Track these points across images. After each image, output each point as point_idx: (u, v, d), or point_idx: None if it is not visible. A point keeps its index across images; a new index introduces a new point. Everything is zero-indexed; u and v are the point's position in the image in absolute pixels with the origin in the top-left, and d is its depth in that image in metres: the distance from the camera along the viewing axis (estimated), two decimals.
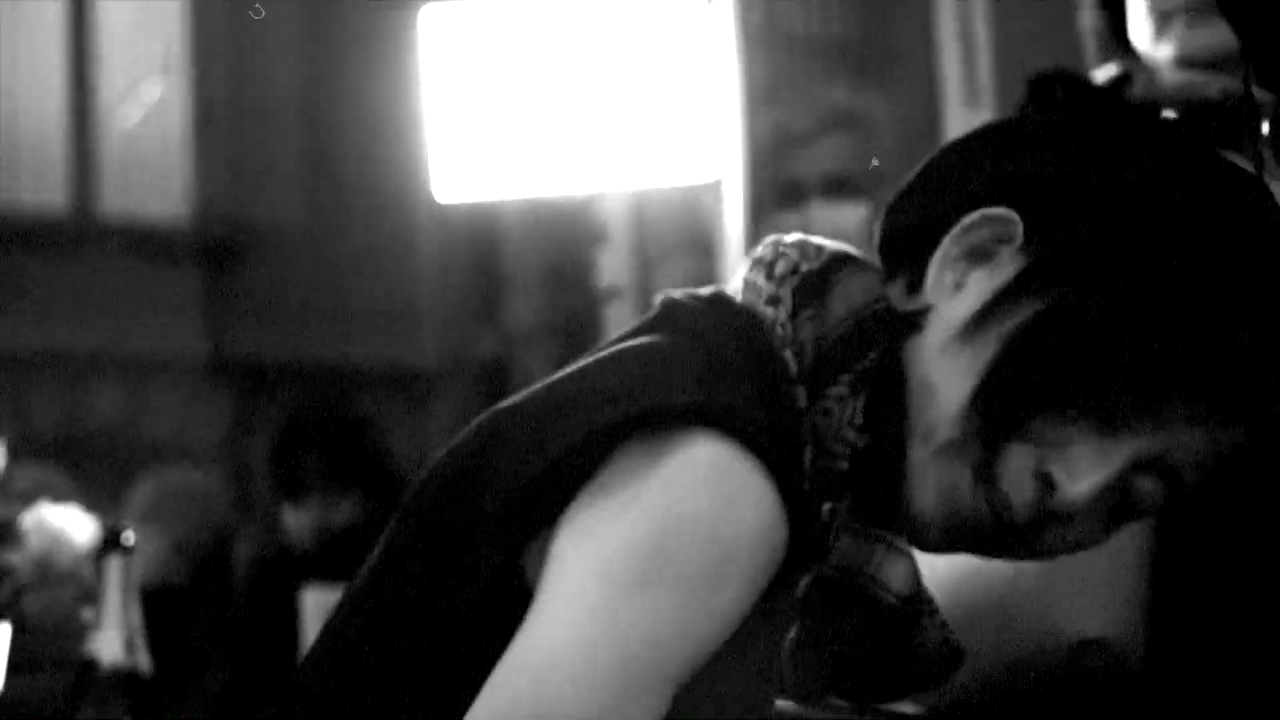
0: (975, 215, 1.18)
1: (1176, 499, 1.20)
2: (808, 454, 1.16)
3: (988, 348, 1.17)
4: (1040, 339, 1.16)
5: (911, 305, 1.20)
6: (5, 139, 8.25)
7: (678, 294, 1.23)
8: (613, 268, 3.38)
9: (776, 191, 3.29)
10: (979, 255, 1.19)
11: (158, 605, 2.25)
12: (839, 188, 3.25)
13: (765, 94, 3.61)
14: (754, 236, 3.39)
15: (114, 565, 2.03)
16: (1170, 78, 2.19)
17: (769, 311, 1.20)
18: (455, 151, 3.35)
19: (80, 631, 2.10)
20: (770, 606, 1.14)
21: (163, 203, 8.46)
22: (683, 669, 1.10)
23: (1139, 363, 1.16)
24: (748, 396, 1.14)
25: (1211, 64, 2.15)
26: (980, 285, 1.19)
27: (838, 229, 3.21)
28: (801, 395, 1.17)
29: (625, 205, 3.53)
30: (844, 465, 1.17)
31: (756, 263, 1.23)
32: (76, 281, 8.18)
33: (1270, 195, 1.23)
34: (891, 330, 1.20)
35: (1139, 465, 1.17)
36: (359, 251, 8.49)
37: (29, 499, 2.32)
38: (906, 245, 1.23)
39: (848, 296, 1.21)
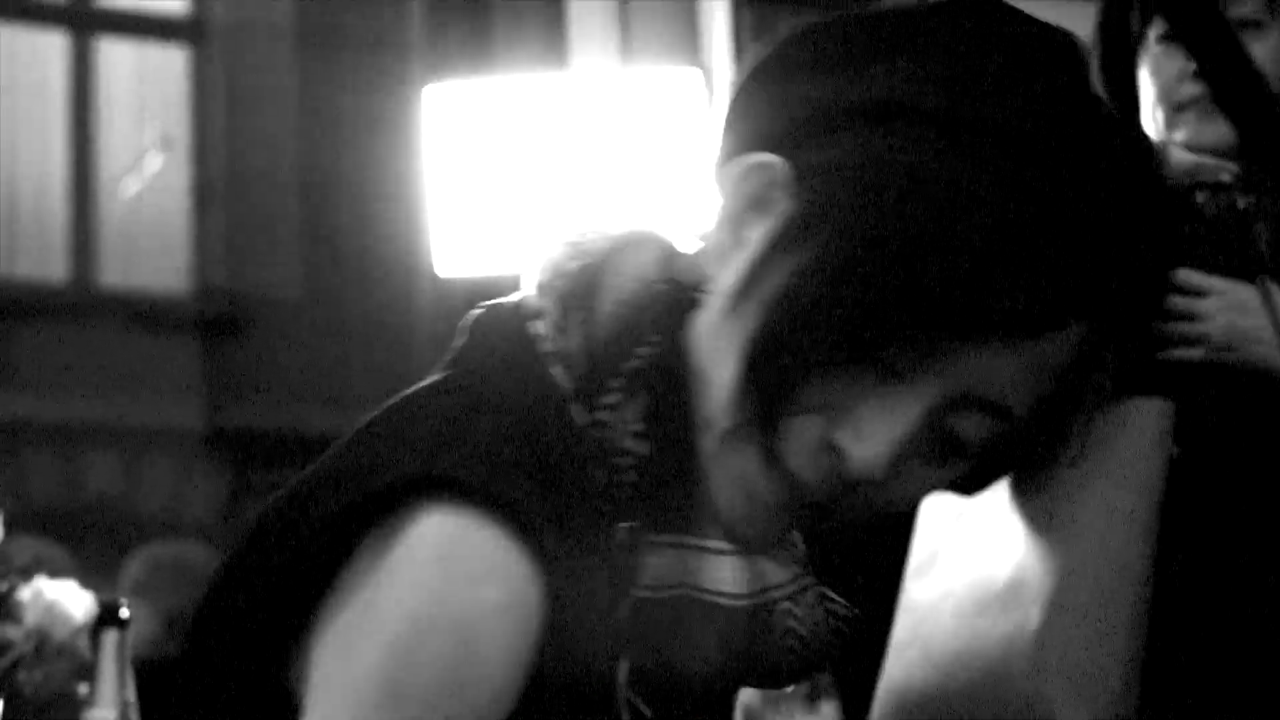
0: (737, 166, 1.05)
1: (1017, 431, 1.06)
2: (599, 475, 1.05)
3: (751, 317, 1.03)
4: (796, 299, 1.02)
5: (690, 278, 1.08)
6: (7, 211, 8.29)
7: (483, 315, 1.12)
8: None
9: None
10: (751, 211, 1.06)
11: (151, 678, 2.25)
12: None
13: None
14: None
15: (109, 640, 2.03)
16: (1182, 158, 2.22)
17: (530, 328, 1.08)
18: (455, 226, 3.37)
19: (75, 706, 2.10)
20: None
21: (162, 275, 8.50)
22: None
23: (902, 306, 1.00)
24: (492, 442, 1.03)
25: (1220, 151, 2.19)
26: (748, 248, 1.04)
27: None
28: (580, 412, 1.06)
29: None
30: (633, 477, 1.06)
31: (539, 268, 1.12)
32: (76, 353, 8.20)
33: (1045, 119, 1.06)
34: (671, 314, 1.08)
35: (947, 407, 1.04)
36: (358, 324, 8.52)
37: (27, 573, 2.32)
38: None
39: (617, 288, 1.09)
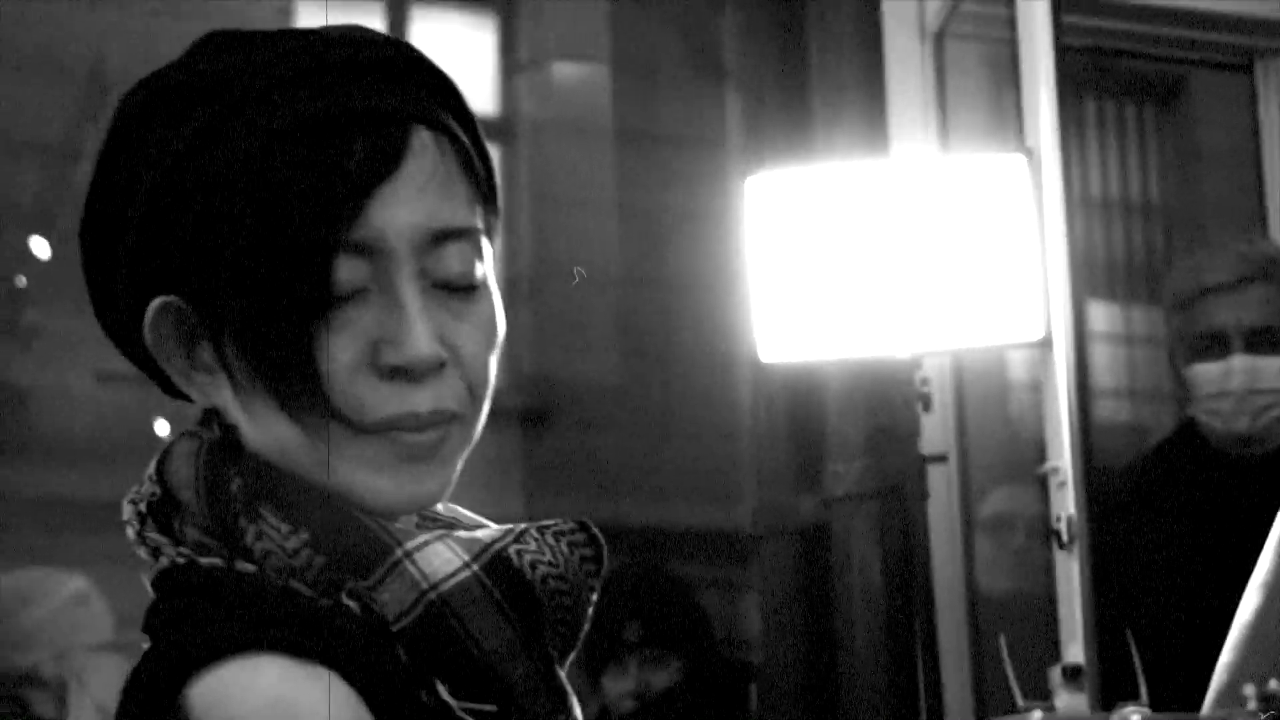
0: (146, 325, 1.21)
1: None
2: (302, 588, 1.14)
3: (257, 387, 1.16)
4: (244, 340, 1.16)
5: (209, 422, 1.23)
6: None
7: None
8: (937, 430, 3.35)
9: (1196, 342, 3.26)
10: (186, 342, 1.21)
11: None
12: (1262, 339, 3.22)
13: (1089, 251, 3.58)
14: (1081, 394, 3.34)
15: None
16: None
17: (164, 562, 1.18)
18: (778, 313, 3.38)
19: None
20: None
21: None
22: None
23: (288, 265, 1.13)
24: (230, 622, 1.12)
25: None
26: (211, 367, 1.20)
27: (1259, 384, 3.17)
28: (245, 566, 1.16)
29: (950, 366, 3.52)
30: (320, 560, 1.15)
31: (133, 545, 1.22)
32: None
33: None
34: (225, 450, 1.19)
35: (425, 280, 1.17)
36: (677, 413, 8.56)
37: None
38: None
39: (183, 481, 1.20)
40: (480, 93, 9.02)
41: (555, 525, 1.22)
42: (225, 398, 1.20)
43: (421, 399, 1.17)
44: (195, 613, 1.15)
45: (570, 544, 1.21)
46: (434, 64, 1.25)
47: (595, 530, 1.23)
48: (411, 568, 1.15)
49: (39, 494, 7.15)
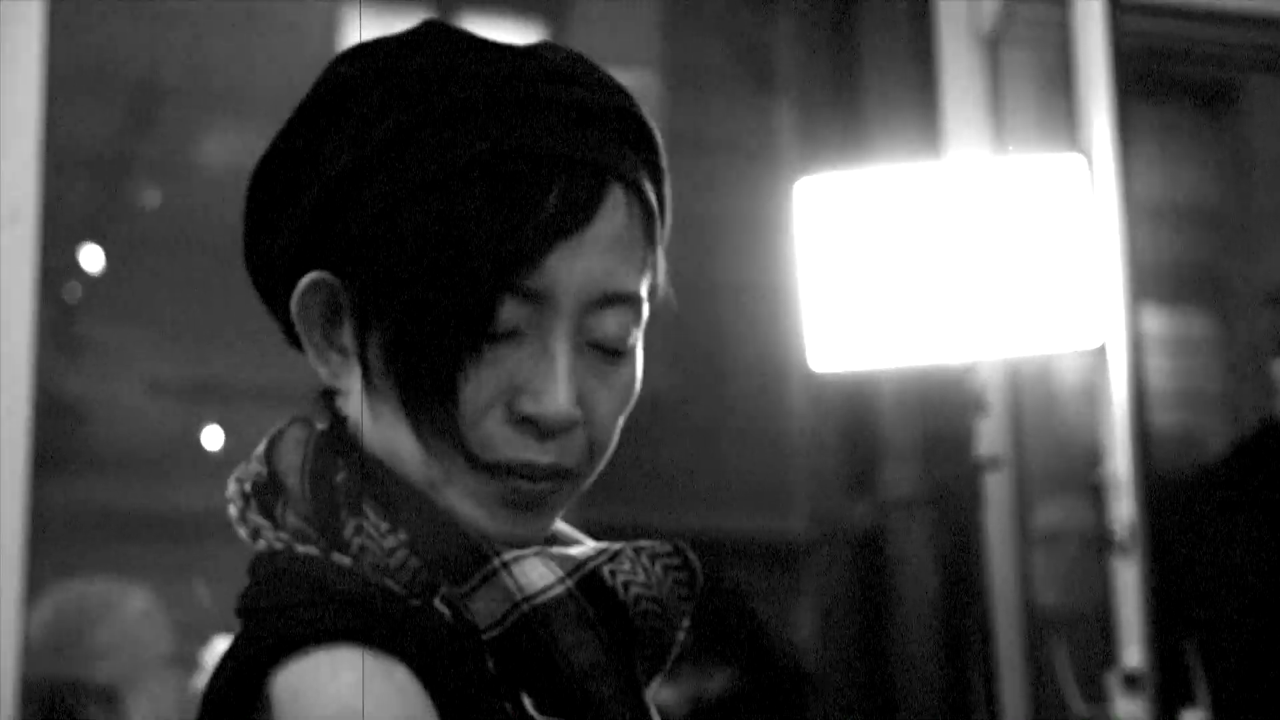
0: (296, 293, 1.21)
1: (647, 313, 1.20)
2: (392, 586, 1.14)
3: (390, 395, 1.17)
4: (393, 351, 1.17)
5: (326, 413, 1.24)
6: None
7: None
8: (991, 436, 3.33)
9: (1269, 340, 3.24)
10: (330, 324, 1.22)
11: None
12: None
13: (1148, 257, 3.56)
14: (1138, 399, 3.31)
15: None
16: None
17: (262, 545, 1.20)
18: (830, 319, 3.36)
19: None
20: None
21: None
22: None
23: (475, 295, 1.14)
24: (318, 612, 1.13)
25: None
26: (350, 354, 1.21)
27: None
28: (341, 559, 1.17)
29: (1003, 372, 3.49)
30: (415, 562, 1.16)
31: (232, 522, 1.24)
32: None
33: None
34: (335, 444, 1.21)
35: (578, 324, 1.17)
36: (730, 420, 8.55)
37: None
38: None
39: (291, 466, 1.21)
40: None
41: (650, 547, 1.22)
42: (351, 385, 1.22)
43: (544, 451, 1.18)
44: (286, 600, 1.16)
45: (665, 566, 1.21)
46: (643, 116, 1.25)
47: (690, 554, 1.23)
48: (507, 579, 1.16)
49: (89, 506, 7.19)
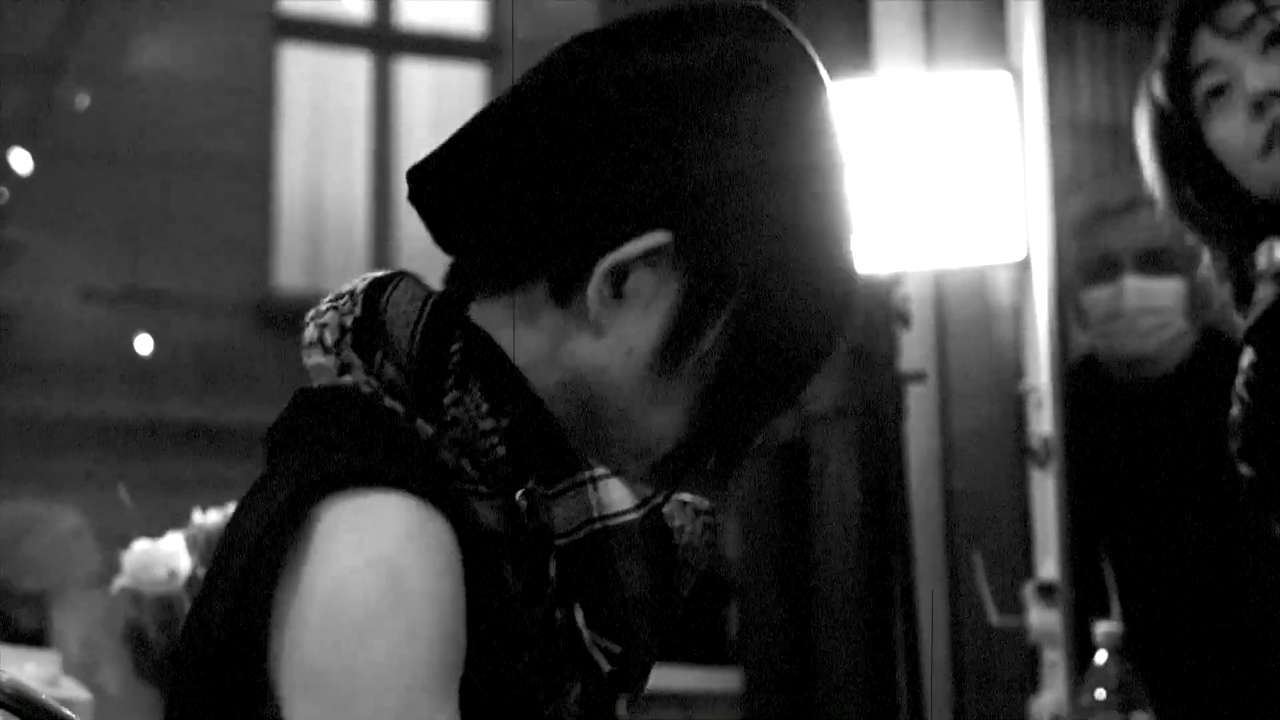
0: (640, 247, 1.21)
1: None
2: (465, 465, 1.18)
3: (687, 381, 1.23)
4: (731, 365, 1.23)
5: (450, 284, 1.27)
6: (313, 229, 8.51)
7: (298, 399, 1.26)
8: (915, 349, 3.35)
9: (1089, 266, 3.24)
10: (639, 269, 1.23)
11: None
12: (1153, 261, 3.19)
13: (1075, 172, 3.57)
14: (1060, 315, 3.34)
15: None
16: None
17: (348, 380, 1.21)
18: None
19: None
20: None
21: None
22: (444, 672, 1.10)
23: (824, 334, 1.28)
24: (382, 454, 1.16)
25: None
26: (651, 310, 1.23)
27: (1151, 304, 3.15)
28: (423, 427, 1.19)
29: (929, 285, 3.51)
30: (501, 451, 1.18)
31: (309, 346, 1.25)
32: None
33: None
34: (453, 311, 1.23)
35: None
36: None
37: None
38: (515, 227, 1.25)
39: (400, 316, 1.23)
40: (467, 12, 8.98)
41: (695, 501, 1.26)
42: (607, 325, 1.24)
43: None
44: (349, 438, 1.19)
45: (705, 525, 1.25)
46: None
47: (721, 518, 1.28)
48: (592, 493, 1.19)
49: (19, 413, 7.14)
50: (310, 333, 1.26)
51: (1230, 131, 2.14)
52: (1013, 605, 3.29)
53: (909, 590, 3.10)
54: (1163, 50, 2.20)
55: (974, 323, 3.56)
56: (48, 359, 7.32)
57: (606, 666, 1.20)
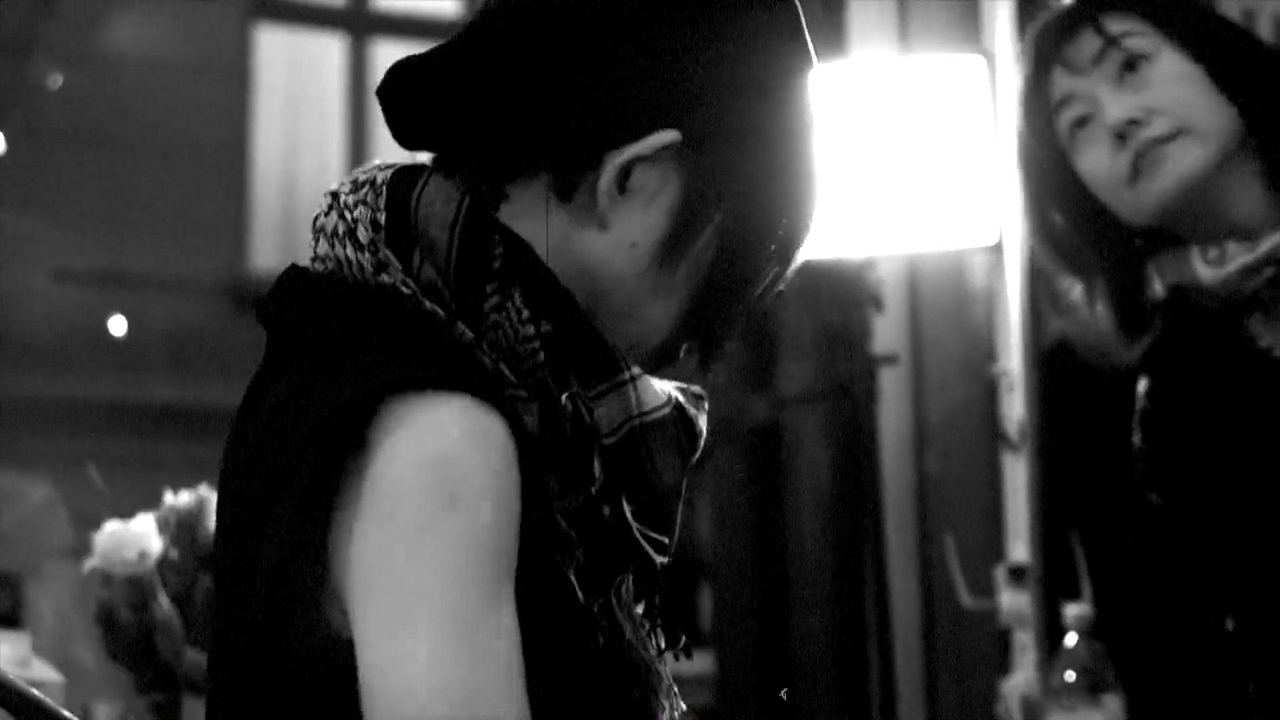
0: (652, 144, 1.24)
1: None
2: (504, 370, 1.19)
3: (683, 275, 1.27)
4: (722, 260, 1.28)
5: (481, 185, 1.25)
6: (288, 210, 8.49)
7: (293, 312, 1.25)
8: (889, 333, 3.36)
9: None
10: (645, 166, 1.25)
11: None
12: None
13: None
14: (1033, 300, 3.35)
15: None
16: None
17: (385, 279, 1.21)
18: None
19: None
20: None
21: None
22: (501, 569, 1.12)
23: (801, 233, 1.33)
24: (427, 359, 1.17)
25: None
26: (653, 206, 1.26)
27: None
28: (463, 331, 1.20)
29: (901, 269, 3.52)
30: (542, 356, 1.20)
31: (332, 236, 1.24)
32: None
33: None
34: (488, 213, 1.23)
35: None
36: None
37: None
38: (524, 119, 1.26)
39: (436, 216, 1.23)
40: None
41: (691, 389, 1.30)
42: (613, 220, 1.26)
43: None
44: (404, 345, 1.19)
45: (704, 410, 1.30)
46: None
47: (707, 402, 1.32)
48: (631, 393, 1.23)
49: None
50: (335, 222, 1.25)
51: (1097, 161, 2.14)
52: (984, 587, 3.30)
53: (881, 572, 3.11)
54: (1021, 86, 2.22)
55: (947, 306, 3.57)
56: (21, 340, 7.31)
57: (658, 558, 1.25)
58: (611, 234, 1.26)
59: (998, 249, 3.40)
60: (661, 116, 1.25)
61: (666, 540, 1.26)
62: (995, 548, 3.33)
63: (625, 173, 1.25)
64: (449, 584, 1.10)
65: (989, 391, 3.44)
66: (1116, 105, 2.11)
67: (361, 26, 8.89)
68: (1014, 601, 3.21)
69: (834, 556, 3.40)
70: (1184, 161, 2.09)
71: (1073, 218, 2.22)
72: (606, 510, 1.21)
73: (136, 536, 2.47)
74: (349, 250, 1.23)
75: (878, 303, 3.18)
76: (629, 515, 1.23)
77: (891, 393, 3.34)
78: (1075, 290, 3.22)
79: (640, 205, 1.26)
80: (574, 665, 1.18)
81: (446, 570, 1.10)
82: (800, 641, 3.43)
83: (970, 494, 3.44)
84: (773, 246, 1.29)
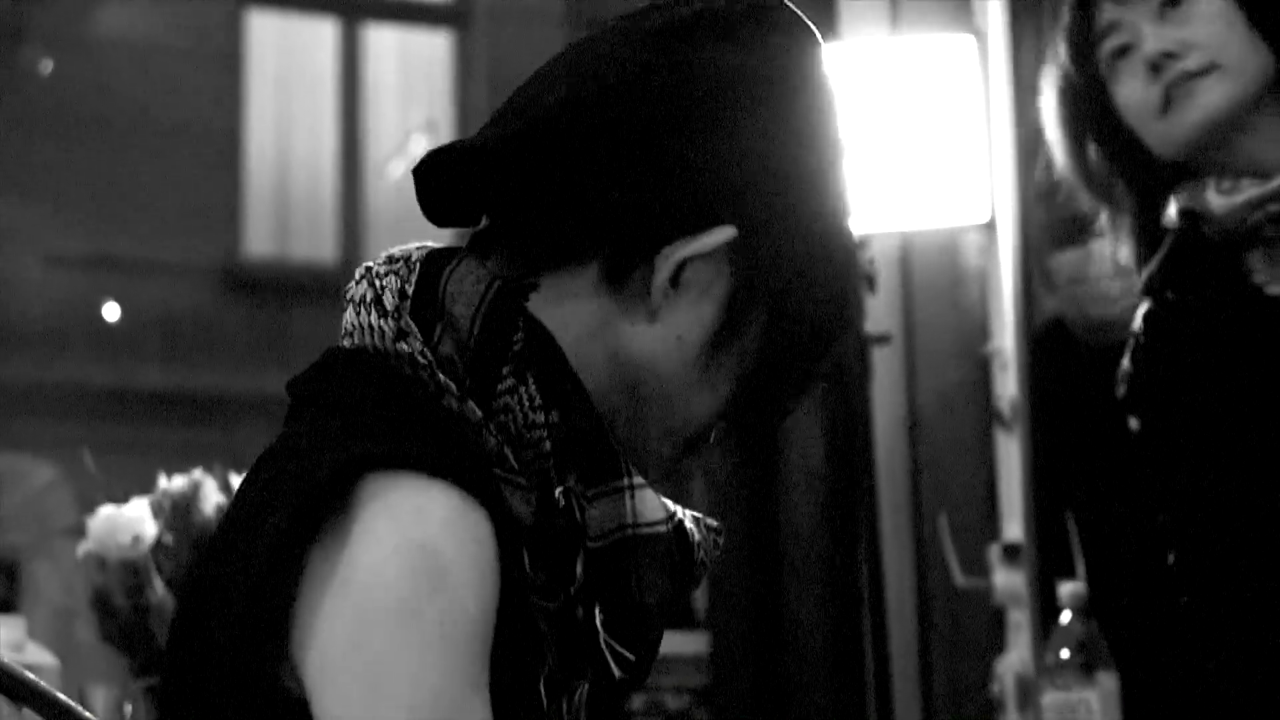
0: (712, 241, 1.25)
1: None
2: (508, 454, 1.18)
3: (727, 368, 1.27)
4: (768, 354, 1.28)
5: (512, 273, 1.25)
6: (280, 195, 8.49)
7: (314, 382, 1.25)
8: (880, 312, 3.35)
9: (1056, 229, 3.24)
10: (699, 261, 1.26)
11: None
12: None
13: (1041, 136, 3.58)
14: (1025, 278, 3.35)
15: None
16: None
17: (403, 348, 1.20)
18: None
19: None
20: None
21: None
22: (480, 661, 1.10)
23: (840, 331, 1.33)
24: (419, 436, 1.16)
25: None
26: (704, 300, 1.27)
27: (1120, 268, 3.17)
28: (472, 409, 1.19)
29: (893, 249, 3.52)
30: (547, 446, 1.20)
31: (361, 303, 1.24)
32: None
33: None
34: (516, 299, 1.23)
35: None
36: None
37: None
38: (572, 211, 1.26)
39: (463, 295, 1.22)
40: None
41: (708, 520, 1.29)
42: (666, 314, 1.26)
43: None
44: (401, 418, 1.18)
45: (715, 544, 1.29)
46: None
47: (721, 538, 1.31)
48: (629, 500, 1.21)
49: None
50: (364, 290, 1.25)
51: (1132, 92, 2.21)
52: (978, 566, 3.30)
53: (874, 552, 3.11)
54: (1067, 17, 2.27)
55: (940, 286, 3.57)
56: (13, 326, 7.30)
57: (618, 673, 1.22)
58: (660, 327, 1.26)
59: (990, 228, 3.40)
60: (717, 210, 1.25)
61: (634, 658, 1.23)
62: (989, 527, 3.34)
63: (679, 267, 1.25)
64: (429, 669, 1.08)
65: (982, 370, 3.45)
66: (1155, 38, 2.17)
67: (353, 11, 8.88)
68: (1008, 580, 3.22)
69: (827, 536, 3.40)
70: (1212, 97, 2.15)
71: (1106, 147, 2.27)
72: (580, 613, 1.20)
73: (131, 521, 2.47)
74: (373, 317, 1.23)
75: (870, 282, 3.17)
76: (598, 623, 1.21)
77: (884, 372, 3.34)
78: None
79: (691, 300, 1.26)
80: None
81: (423, 661, 1.08)
82: (794, 621, 3.43)
83: (963, 473, 3.44)
84: (821, 329, 1.31)
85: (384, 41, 8.82)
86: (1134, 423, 2.23)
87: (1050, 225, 3.28)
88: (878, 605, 3.08)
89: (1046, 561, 3.17)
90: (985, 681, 3.20)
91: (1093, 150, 2.30)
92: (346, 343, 1.26)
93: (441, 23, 8.91)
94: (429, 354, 1.20)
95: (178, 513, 2.50)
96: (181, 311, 7.73)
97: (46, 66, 7.46)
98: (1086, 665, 2.60)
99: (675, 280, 1.25)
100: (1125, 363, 2.26)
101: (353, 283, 1.27)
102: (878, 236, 3.36)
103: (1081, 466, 3.19)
